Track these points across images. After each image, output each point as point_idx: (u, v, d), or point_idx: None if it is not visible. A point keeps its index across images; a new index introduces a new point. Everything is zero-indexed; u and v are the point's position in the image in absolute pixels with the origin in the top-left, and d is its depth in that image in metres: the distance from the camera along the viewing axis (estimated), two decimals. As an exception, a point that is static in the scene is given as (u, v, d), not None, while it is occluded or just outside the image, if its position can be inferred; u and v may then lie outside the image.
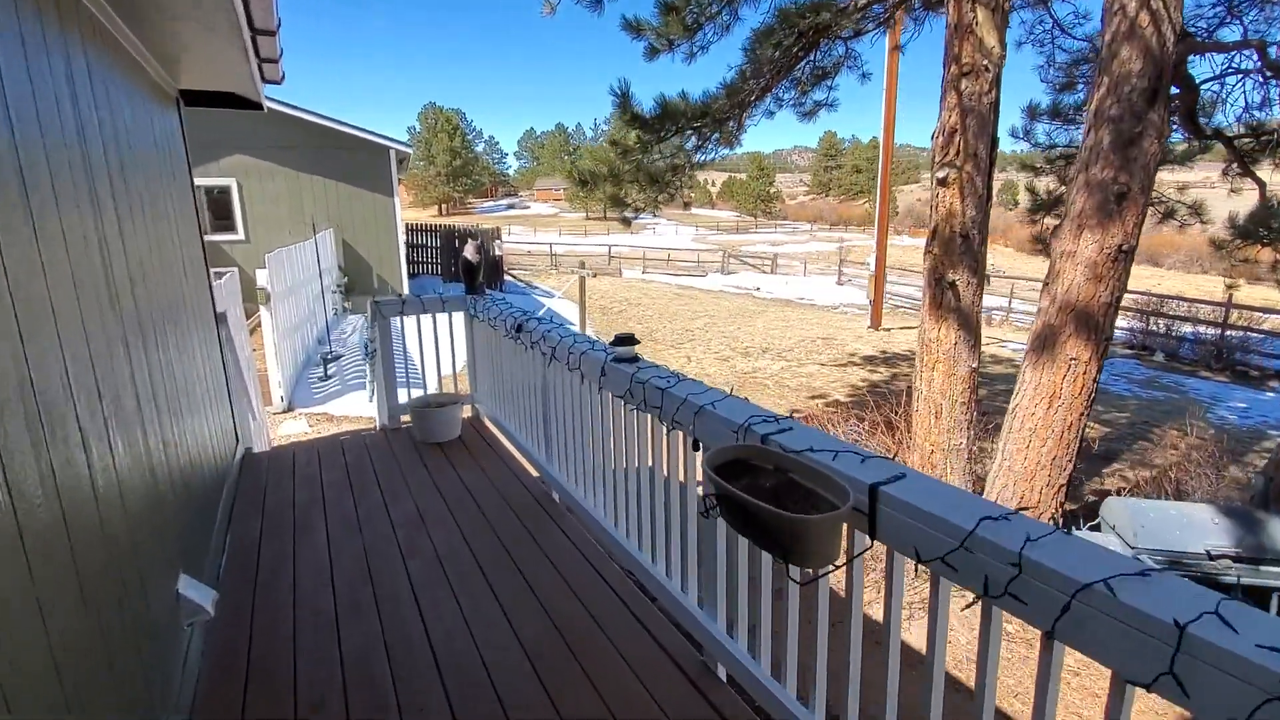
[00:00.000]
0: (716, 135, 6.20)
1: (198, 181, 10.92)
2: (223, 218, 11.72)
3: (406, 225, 13.85)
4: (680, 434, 2.17)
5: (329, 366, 8.58)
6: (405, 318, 4.97)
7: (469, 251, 4.74)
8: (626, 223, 6.63)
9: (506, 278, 18.95)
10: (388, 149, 12.06)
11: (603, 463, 2.91)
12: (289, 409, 7.62)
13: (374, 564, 2.93)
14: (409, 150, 12.07)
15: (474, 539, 3.14)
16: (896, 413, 8.31)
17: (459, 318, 4.97)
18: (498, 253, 17.94)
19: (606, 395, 2.72)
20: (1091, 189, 4.52)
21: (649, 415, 2.35)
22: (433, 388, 8.25)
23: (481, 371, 4.89)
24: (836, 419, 7.44)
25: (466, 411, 4.99)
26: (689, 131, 6.07)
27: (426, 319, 4.82)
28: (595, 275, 9.54)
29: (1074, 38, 7.13)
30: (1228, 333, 12.39)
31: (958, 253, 4.96)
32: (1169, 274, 38.71)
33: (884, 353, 12.66)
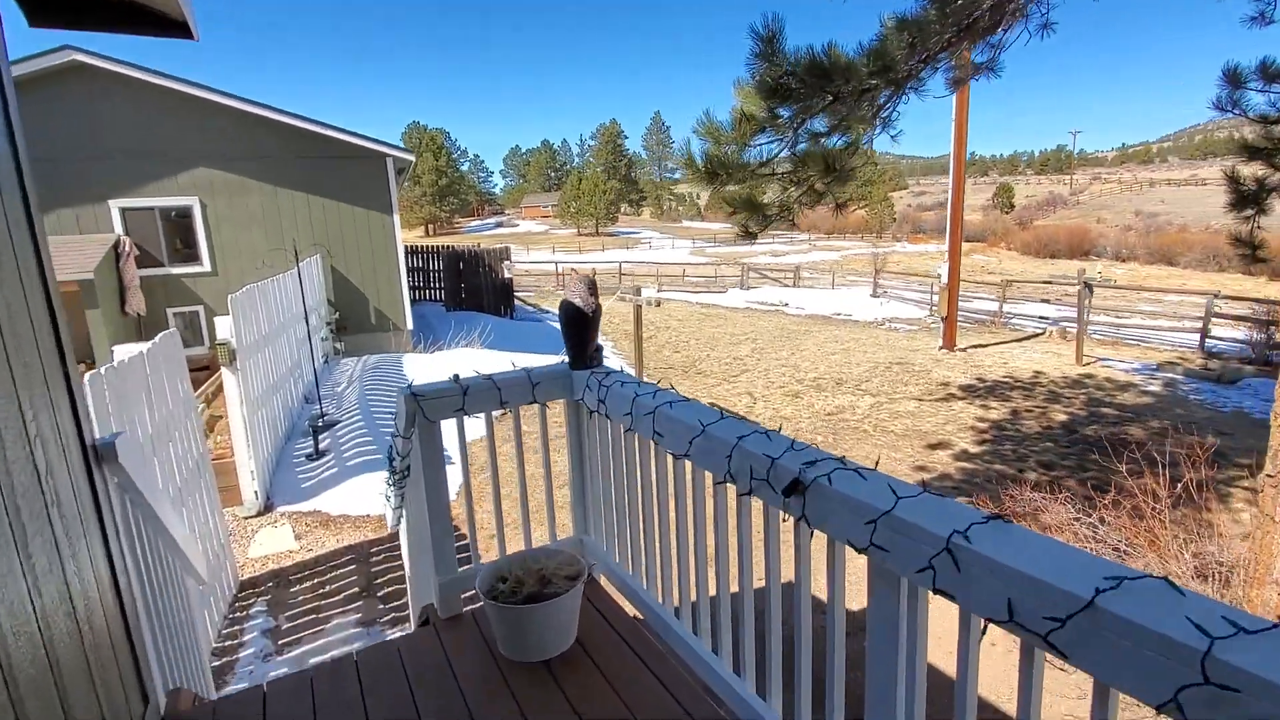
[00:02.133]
0: (888, 98, 4.22)
1: (151, 202, 8.75)
2: (184, 245, 9.60)
3: (405, 248, 11.76)
4: None
5: (320, 438, 6.45)
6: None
7: (578, 296, 2.68)
8: (751, 235, 4.63)
9: (515, 301, 16.88)
10: (384, 157, 10.01)
11: None
12: (267, 509, 5.49)
13: None
14: (409, 158, 10.08)
15: None
16: (1056, 475, 6.33)
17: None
18: (508, 275, 15.90)
19: None
20: None
21: None
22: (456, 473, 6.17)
23: (597, 499, 2.82)
24: (1037, 501, 5.41)
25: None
26: (852, 99, 4.07)
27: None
28: (659, 304, 7.50)
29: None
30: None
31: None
32: (1190, 273, 37.15)
33: (981, 380, 10.70)
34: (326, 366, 8.91)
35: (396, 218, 10.29)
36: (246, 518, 5.33)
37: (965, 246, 61.90)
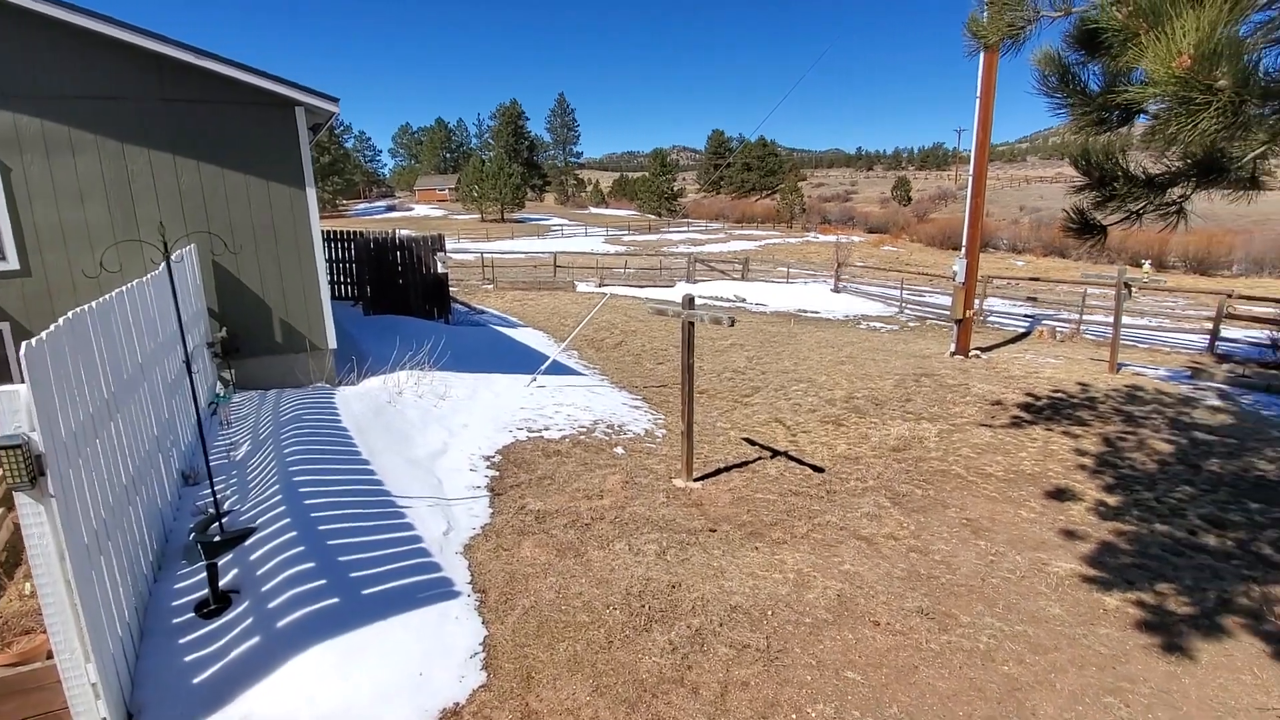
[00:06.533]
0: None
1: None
2: (-30, 229, 6.24)
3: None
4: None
5: (221, 561, 3.74)
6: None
7: None
8: (1095, 232, 2.50)
9: (452, 303, 13.97)
10: (293, 105, 7.04)
11: None
12: (124, 759, 2.80)
13: None
14: (330, 109, 7.17)
15: None
16: (1235, 536, 4.77)
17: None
18: (442, 269, 13.01)
19: None
20: None
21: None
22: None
23: None
24: None
25: None
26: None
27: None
28: (734, 324, 5.23)
29: None
30: None
31: None
32: (1082, 264, 39.18)
33: (1034, 397, 9.27)
34: (211, 419, 5.96)
35: (312, 193, 7.35)
36: (79, 791, 2.63)
37: (872, 238, 63.08)
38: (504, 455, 6.34)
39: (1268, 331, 11.47)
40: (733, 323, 5.31)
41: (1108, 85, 2.17)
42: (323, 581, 3.69)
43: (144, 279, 4.45)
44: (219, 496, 4.41)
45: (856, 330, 15.51)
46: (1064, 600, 4.59)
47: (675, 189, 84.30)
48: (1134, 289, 10.36)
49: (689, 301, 5.71)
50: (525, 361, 10.26)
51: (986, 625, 4.27)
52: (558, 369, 9.85)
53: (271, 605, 3.54)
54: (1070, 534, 5.63)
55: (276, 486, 4.55)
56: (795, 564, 4.87)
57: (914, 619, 4.29)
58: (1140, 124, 2.23)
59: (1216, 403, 9.09)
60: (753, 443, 7.61)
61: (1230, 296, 11.77)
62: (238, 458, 5.21)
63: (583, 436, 7.20)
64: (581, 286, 20.95)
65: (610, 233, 58.37)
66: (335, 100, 6.98)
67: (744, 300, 19.37)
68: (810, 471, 6.74)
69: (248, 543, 4.00)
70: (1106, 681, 3.74)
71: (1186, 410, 8.74)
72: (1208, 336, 11.98)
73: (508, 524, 5.01)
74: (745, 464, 6.89)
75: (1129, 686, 3.69)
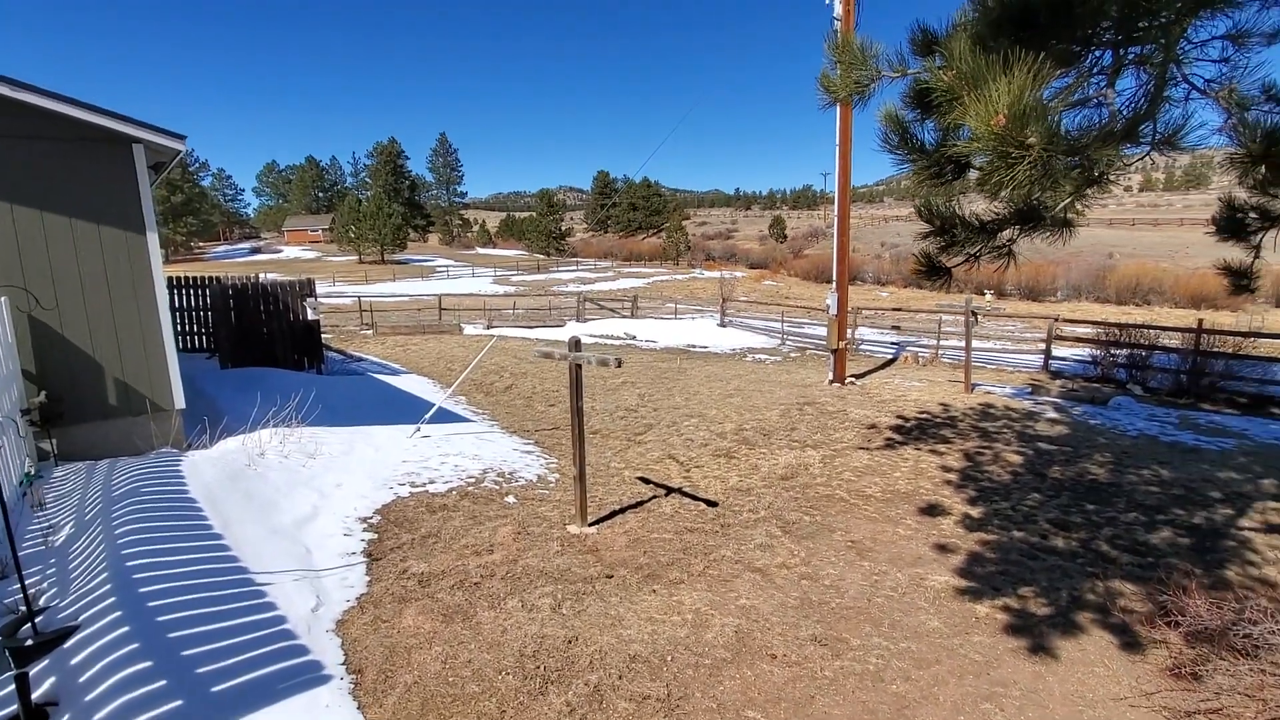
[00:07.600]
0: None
1: None
2: None
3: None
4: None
5: (35, 672, 3.17)
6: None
7: None
8: (941, 274, 2.70)
9: (324, 351, 13.10)
10: (130, 142, 6.37)
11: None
12: None
13: None
14: (175, 147, 6.55)
15: None
16: (1079, 537, 5.35)
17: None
18: (312, 315, 12.20)
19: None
20: None
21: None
22: None
23: None
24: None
25: None
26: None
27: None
28: (620, 365, 5.22)
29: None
30: (1200, 359, 11.79)
31: None
32: (937, 295, 43.30)
33: (903, 419, 9.94)
34: (20, 500, 5.12)
35: (154, 237, 6.64)
36: None
37: (754, 273, 65.93)
38: (383, 515, 5.91)
39: (1088, 349, 13.05)
40: (619, 364, 5.30)
41: (941, 141, 2.40)
42: (162, 683, 3.20)
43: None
44: (32, 592, 3.76)
45: (743, 363, 16.08)
46: (941, 612, 4.84)
47: (563, 228, 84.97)
48: (980, 316, 11.47)
49: (575, 344, 5.64)
50: (408, 411, 9.74)
51: (875, 646, 4.41)
52: (444, 417, 9.42)
53: (98, 717, 3.01)
54: (943, 547, 5.99)
55: (105, 574, 3.94)
56: (693, 604, 4.83)
57: (809, 647, 4.36)
58: (972, 175, 2.47)
59: (1054, 415, 10.16)
60: (647, 481, 7.58)
61: (1057, 320, 13.34)
62: (57, 543, 4.49)
63: (471, 487, 6.88)
64: (469, 329, 20.38)
65: (499, 273, 57.62)
66: (181, 137, 6.42)
67: (634, 337, 19.60)
68: (704, 506, 6.79)
69: (68, 644, 3.41)
70: (983, 688, 3.95)
71: (1030, 424, 9.69)
72: (1042, 356, 13.45)
73: (387, 591, 4.63)
74: (640, 504, 6.84)
75: (1002, 691, 3.92)
